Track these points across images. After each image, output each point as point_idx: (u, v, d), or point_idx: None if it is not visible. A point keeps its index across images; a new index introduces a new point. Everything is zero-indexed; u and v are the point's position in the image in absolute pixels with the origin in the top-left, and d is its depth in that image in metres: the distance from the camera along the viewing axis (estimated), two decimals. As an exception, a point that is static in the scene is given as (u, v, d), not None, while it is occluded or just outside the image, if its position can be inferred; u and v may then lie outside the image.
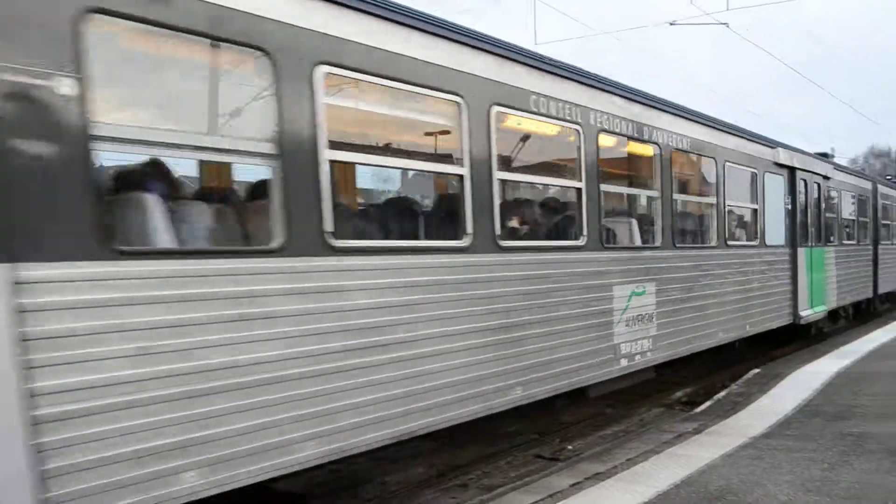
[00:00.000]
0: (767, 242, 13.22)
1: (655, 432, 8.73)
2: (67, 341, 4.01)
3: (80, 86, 4.07)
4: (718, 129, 11.71)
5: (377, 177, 8.49)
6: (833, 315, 17.18)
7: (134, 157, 5.06)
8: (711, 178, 11.59)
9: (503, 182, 7.30)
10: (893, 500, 5.71)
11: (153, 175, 5.04)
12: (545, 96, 7.68)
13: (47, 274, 3.94)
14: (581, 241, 8.21)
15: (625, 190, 10.29)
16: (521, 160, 8.52)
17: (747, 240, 12.82)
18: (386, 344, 5.80)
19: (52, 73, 3.98)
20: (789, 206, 14.31)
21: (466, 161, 6.64)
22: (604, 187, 8.62)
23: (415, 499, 7.11)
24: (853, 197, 19.16)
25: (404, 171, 8.30)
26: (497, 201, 6.93)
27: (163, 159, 5.15)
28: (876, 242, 21.08)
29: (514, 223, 7.97)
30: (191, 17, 4.61)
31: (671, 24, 22.40)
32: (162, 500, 4.37)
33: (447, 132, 7.17)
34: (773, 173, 13.57)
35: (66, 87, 4.03)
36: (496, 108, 7.00)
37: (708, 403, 10.19)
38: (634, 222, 9.82)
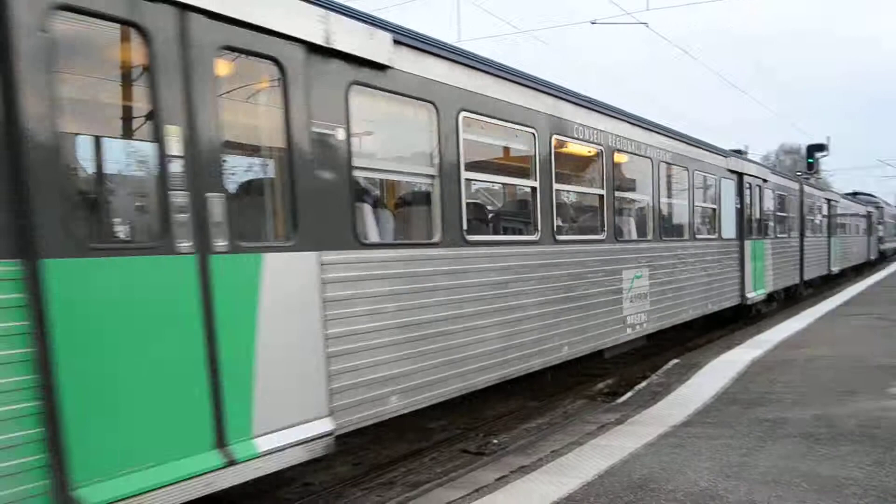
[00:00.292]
0: (723, 236, 15.90)
1: (579, 424, 8.79)
2: (340, 303, 6.03)
3: (347, 133, 6.16)
4: (690, 144, 14.31)
5: (482, 189, 10.69)
6: (769, 299, 19.75)
7: (362, 180, 7.10)
8: (684, 184, 14.10)
9: (558, 192, 9.52)
10: (810, 483, 5.87)
11: (369, 192, 7.43)
12: (582, 125, 10.12)
13: (333, 258, 5.98)
14: (603, 236, 10.68)
15: (628, 195, 12.17)
16: (566, 175, 10.37)
17: (709, 234, 15.32)
18: (492, 309, 8.03)
19: (336, 125, 6.09)
20: (738, 206, 16.91)
21: (536, 176, 8.98)
22: (617, 194, 11.10)
23: (339, 498, 6.99)
24: (784, 196, 21.97)
25: (496, 184, 10.49)
26: (554, 207, 9.27)
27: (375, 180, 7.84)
28: (802, 236, 24.03)
29: (561, 223, 10.07)
30: (401, 84, 6.83)
31: (592, 23, 22.74)
32: (379, 415, 6.47)
33: (525, 156, 9.21)
34: (727, 178, 16.32)
35: (341, 134, 6.13)
36: (555, 136, 9.39)
37: (629, 394, 10.34)
38: (633, 220, 12.20)
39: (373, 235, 6.80)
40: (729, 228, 16.34)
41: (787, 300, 22.68)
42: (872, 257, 45.75)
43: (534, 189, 8.99)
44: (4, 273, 3.94)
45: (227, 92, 5.55)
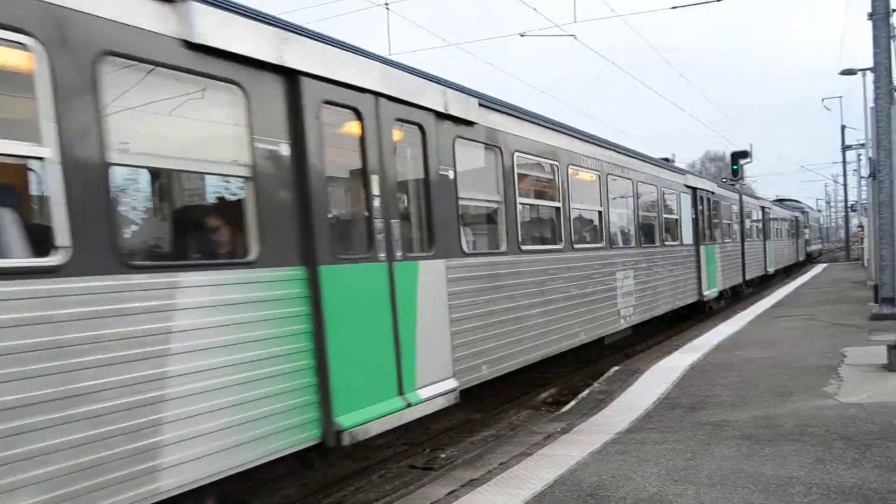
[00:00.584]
0: (684, 242, 18.62)
1: (525, 434, 8.80)
2: (455, 295, 8.25)
3: (454, 173, 8.44)
4: (658, 166, 17.29)
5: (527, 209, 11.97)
6: (719, 296, 22.70)
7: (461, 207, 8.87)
8: (655, 199, 16.69)
9: (573, 210, 11.92)
10: (755, 484, 5.98)
11: (464, 215, 9.06)
12: (587, 156, 12.69)
13: (452, 264, 8.19)
14: (603, 244, 13.15)
15: (617, 210, 14.40)
16: (578, 196, 12.27)
17: (674, 241, 17.85)
18: (537, 302, 10.36)
19: (448, 168, 8.36)
20: (693, 216, 19.61)
21: (560, 198, 11.44)
22: (610, 209, 13.61)
23: (287, 521, 6.86)
24: (728, 206, 25.05)
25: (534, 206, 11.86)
26: (571, 222, 11.78)
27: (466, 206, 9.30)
28: (743, 241, 27.17)
29: (574, 234, 12.00)
30: (481, 135, 9.23)
31: (521, 35, 22.95)
32: (477, 379, 8.66)
33: (551, 182, 11.52)
34: (685, 192, 19.03)
35: (451, 175, 8.39)
36: (570, 166, 11.81)
37: (573, 403, 10.41)
38: (620, 231, 14.59)
39: (468, 248, 8.90)
40: (688, 236, 19.07)
41: (733, 298, 25.55)
42: (801, 258, 49.85)
43: (558, 209, 11.44)
44: (297, 274, 6.09)
45: (397, 149, 7.54)
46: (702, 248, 19.92)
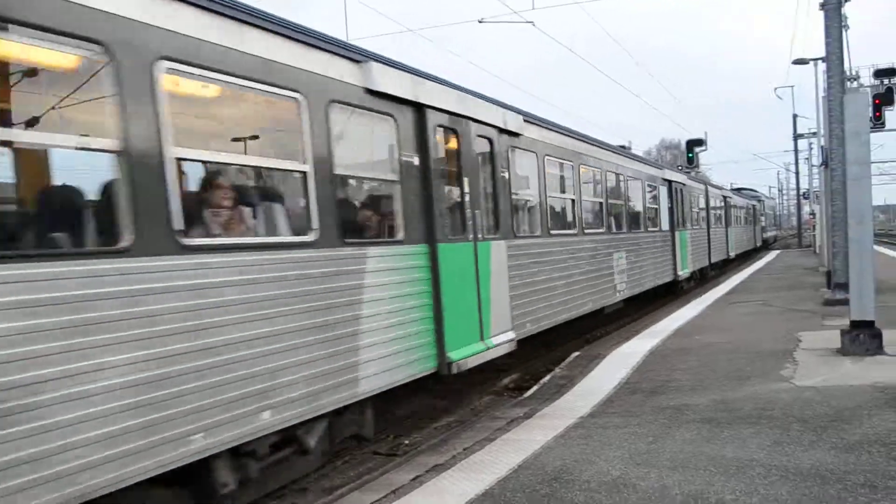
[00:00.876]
0: (662, 228, 21.16)
1: (488, 420, 8.83)
2: (513, 268, 10.58)
3: (509, 175, 10.88)
4: (642, 162, 20.95)
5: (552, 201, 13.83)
6: (690, 277, 25.03)
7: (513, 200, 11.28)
8: (640, 191, 19.19)
9: (584, 202, 14.70)
10: (716, 467, 6.07)
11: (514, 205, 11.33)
12: (592, 157, 15.42)
13: (511, 243, 10.57)
14: (604, 230, 15.68)
15: (613, 200, 16.97)
16: (587, 190, 15.11)
17: (654, 227, 20.30)
18: (561, 275, 12.80)
19: (505, 170, 10.72)
20: (669, 206, 22.13)
21: (574, 191, 14.11)
22: (609, 200, 16.39)
23: (250, 508, 6.80)
24: (696, 196, 27.57)
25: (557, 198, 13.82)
26: (583, 211, 14.40)
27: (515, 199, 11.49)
28: (709, 227, 29.66)
29: (586, 222, 14.58)
30: (524, 143, 11.49)
31: (480, 21, 22.93)
32: (524, 334, 10.91)
33: (569, 179, 14.02)
34: (662, 185, 21.64)
35: (507, 176, 10.77)
36: (581, 166, 14.53)
37: (535, 388, 10.47)
38: (615, 217, 16.80)
39: (518, 231, 11.22)
40: (665, 223, 21.67)
41: (700, 279, 27.87)
42: (758, 244, 52.93)
43: (573, 200, 14.01)
44: (424, 249, 8.40)
45: (477, 157, 9.98)
46: (676, 234, 22.51)
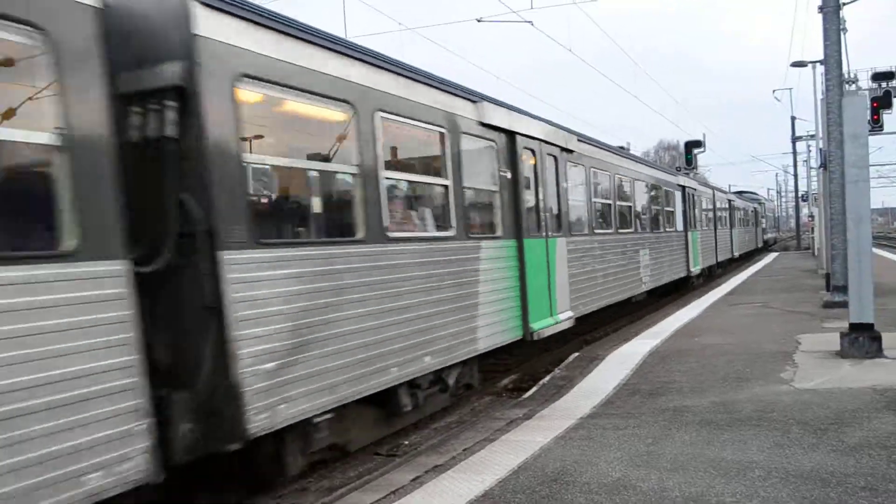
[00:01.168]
0: (677, 229, 23.67)
1: (488, 420, 8.83)
2: (570, 259, 13.04)
3: (566, 184, 13.22)
4: (661, 171, 23.91)
5: (596, 205, 16.15)
6: (699, 274, 27.28)
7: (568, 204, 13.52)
8: (659, 195, 21.86)
9: (619, 206, 17.08)
10: (716, 469, 6.08)
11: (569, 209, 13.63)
12: (623, 167, 17.99)
13: (568, 240, 13.03)
14: (631, 229, 18.14)
15: (640, 204, 19.50)
16: (622, 197, 17.95)
17: (671, 227, 22.84)
18: (602, 266, 15.06)
19: (565, 180, 13.20)
20: (683, 209, 24.66)
21: (612, 197, 16.56)
22: (636, 203, 18.96)
23: (250, 508, 6.81)
24: (705, 199, 30.07)
25: (599, 202, 16.17)
26: (617, 214, 16.81)
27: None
28: (716, 229, 32.26)
29: (619, 223, 16.95)
30: (575, 157, 13.85)
31: (479, 20, 22.94)
32: (578, 314, 13.19)
33: (608, 186, 16.47)
34: (677, 190, 24.28)
35: (565, 184, 13.10)
36: (616, 175, 17.14)
37: (534, 389, 10.47)
38: (640, 218, 19.23)
39: (572, 230, 13.52)
40: (680, 224, 24.13)
41: (708, 276, 29.92)
42: (759, 245, 56.39)
43: (609, 204, 16.42)
44: (514, 243, 10.70)
45: (546, 171, 12.31)
46: (689, 234, 25.05)
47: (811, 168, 46.22)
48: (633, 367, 10.88)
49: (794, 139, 55.01)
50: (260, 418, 5.82)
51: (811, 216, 42.18)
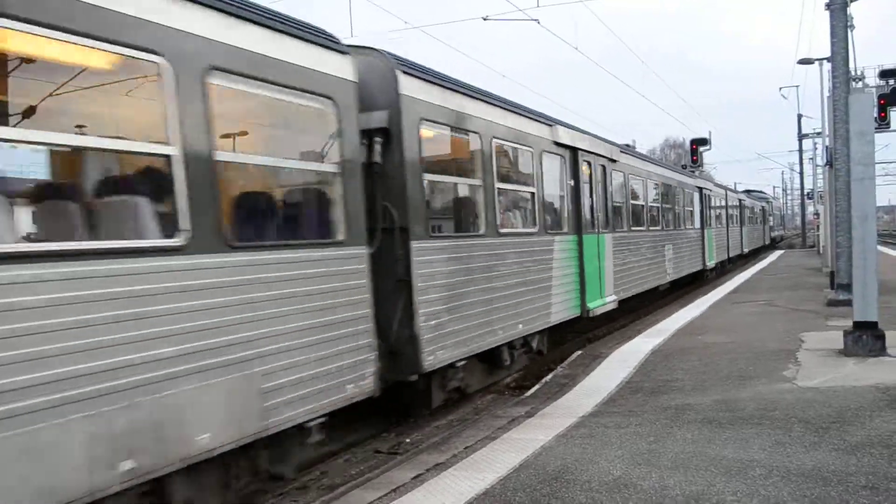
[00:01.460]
0: (695, 226, 26.08)
1: (490, 418, 8.82)
2: (614, 252, 15.46)
3: (610, 187, 15.70)
4: (682, 174, 25.88)
5: (631, 206, 18.24)
6: (713, 267, 29.42)
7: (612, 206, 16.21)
8: (680, 196, 23.99)
9: (651, 207, 19.86)
10: (717, 467, 6.06)
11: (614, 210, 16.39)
12: (654, 174, 21.13)
13: (613, 235, 15.60)
14: (659, 227, 20.34)
15: (666, 205, 21.79)
16: (653, 199, 20.55)
17: (690, 225, 25.27)
18: (638, 257, 17.72)
19: (610, 185, 15.77)
20: (700, 208, 27.01)
21: (643, 198, 19.17)
22: (663, 204, 21.22)
23: (251, 506, 6.80)
24: (719, 199, 32.69)
25: (634, 204, 18.68)
26: (649, 214, 19.38)
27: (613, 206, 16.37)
28: (727, 226, 34.35)
29: (650, 221, 19.83)
30: (617, 166, 16.21)
31: (484, 19, 22.93)
32: (619, 298, 15.51)
33: (640, 190, 18.91)
34: (695, 191, 26.62)
35: (611, 189, 15.86)
36: (649, 181, 19.98)
37: (537, 387, 10.46)
38: (664, 217, 21.26)
39: (616, 228, 15.83)
40: (697, 222, 26.53)
41: (720, 271, 31.72)
42: (767, 242, 59.26)
43: (643, 206, 18.82)
44: (575, 238, 13.20)
45: (598, 178, 14.63)
46: (705, 231, 27.42)
47: (817, 166, 46.04)
48: (636, 366, 10.87)
49: (801, 136, 54.80)
50: (428, 359, 8.32)
51: (816, 214, 42.12)
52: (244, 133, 7.04)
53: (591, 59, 29.59)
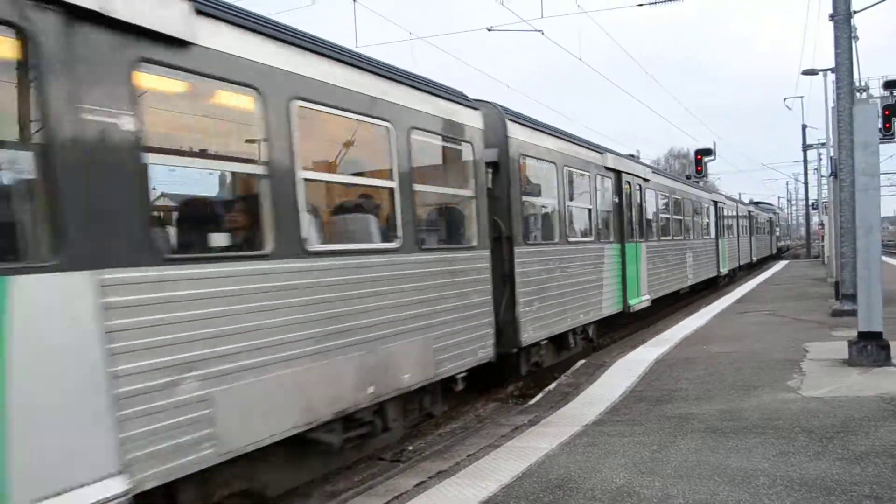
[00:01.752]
0: (711, 236, 28.56)
1: (493, 427, 8.82)
2: (646, 259, 18.05)
3: (645, 202, 18.77)
4: (697, 188, 27.27)
5: (660, 218, 20.85)
6: (726, 274, 31.99)
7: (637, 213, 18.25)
8: (699, 210, 26.70)
9: (675, 219, 22.35)
10: (720, 476, 6.05)
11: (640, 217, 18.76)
12: (667, 186, 22.29)
13: (647, 244, 18.26)
14: (681, 237, 22.74)
15: (685, 217, 23.75)
16: (679, 210, 23.16)
17: (706, 235, 27.70)
18: (659, 264, 19.41)
19: (644, 201, 18.55)
20: (714, 220, 29.39)
21: (669, 213, 21.60)
22: (683, 217, 23.39)
23: (254, 513, 6.80)
24: (730, 211, 35.29)
25: (662, 217, 21.33)
26: (672, 224, 21.90)
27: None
28: (738, 236, 37.15)
29: (674, 231, 22.09)
30: (650, 185, 19.30)
31: (489, 29, 22.96)
32: (652, 297, 18.21)
33: (668, 204, 21.90)
34: (710, 204, 29.15)
35: (644, 203, 18.79)
36: (673, 196, 22.67)
37: (540, 395, 10.46)
38: (684, 228, 23.32)
39: (647, 237, 18.19)
40: (712, 232, 29.06)
41: (732, 278, 33.78)
42: (774, 251, 62.39)
43: (668, 217, 21.17)
44: (618, 247, 15.73)
45: (633, 195, 17.09)
46: (719, 241, 29.93)
47: (822, 176, 46.02)
48: (640, 375, 10.85)
49: (805, 147, 54.64)
50: (524, 336, 10.81)
51: (821, 224, 42.04)
52: (429, 168, 9.40)
53: (594, 68, 29.65)
